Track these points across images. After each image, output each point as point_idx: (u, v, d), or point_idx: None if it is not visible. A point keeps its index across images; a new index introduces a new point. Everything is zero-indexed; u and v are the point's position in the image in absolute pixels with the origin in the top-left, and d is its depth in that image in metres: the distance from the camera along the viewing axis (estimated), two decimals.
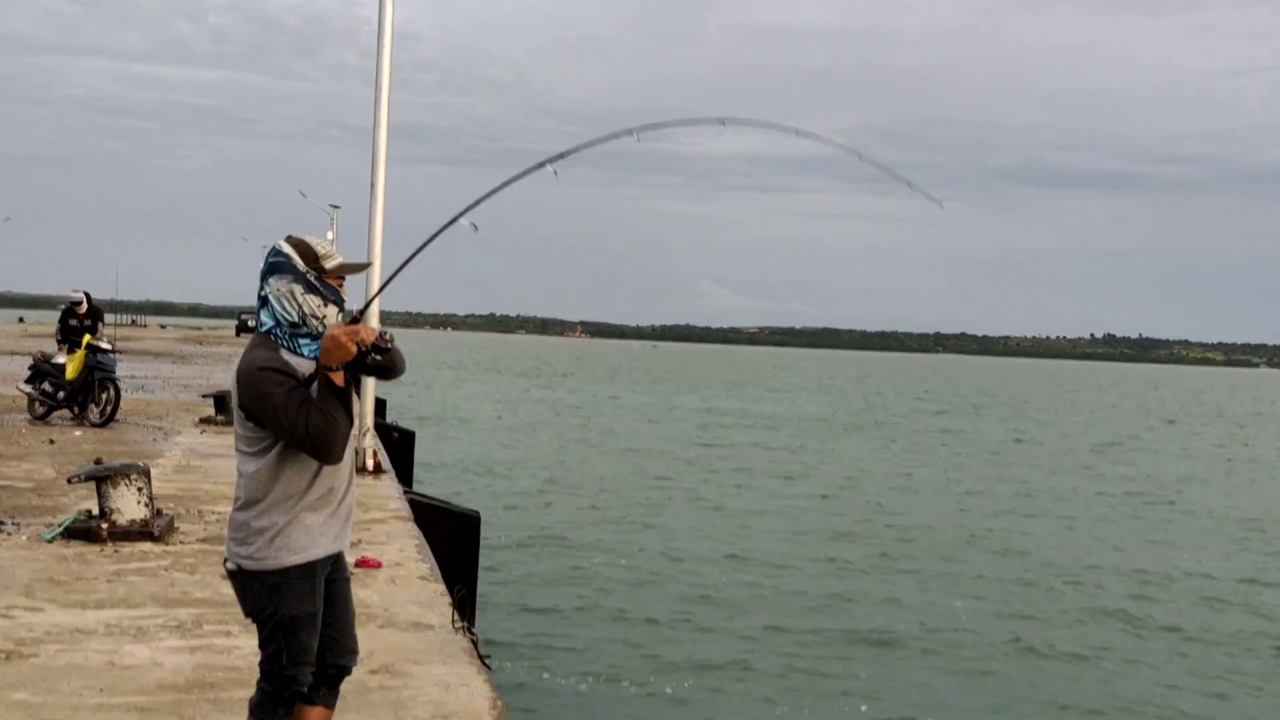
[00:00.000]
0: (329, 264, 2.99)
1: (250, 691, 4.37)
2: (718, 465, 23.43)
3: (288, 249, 2.99)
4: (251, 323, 79.77)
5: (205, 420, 14.54)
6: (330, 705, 3.26)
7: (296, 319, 2.95)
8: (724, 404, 46.27)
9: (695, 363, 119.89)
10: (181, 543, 7.01)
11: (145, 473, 7.15)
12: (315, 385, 2.88)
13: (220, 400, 15.02)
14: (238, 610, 5.54)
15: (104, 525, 6.86)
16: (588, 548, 13.87)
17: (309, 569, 3.01)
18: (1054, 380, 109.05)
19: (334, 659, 3.21)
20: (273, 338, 2.97)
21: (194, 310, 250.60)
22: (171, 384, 22.44)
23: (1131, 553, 15.16)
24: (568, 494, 18.60)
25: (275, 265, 2.99)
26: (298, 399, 2.83)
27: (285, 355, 2.93)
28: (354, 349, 2.82)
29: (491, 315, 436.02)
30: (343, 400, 2.87)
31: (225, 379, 24.35)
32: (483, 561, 9.80)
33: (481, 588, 9.55)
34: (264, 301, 2.99)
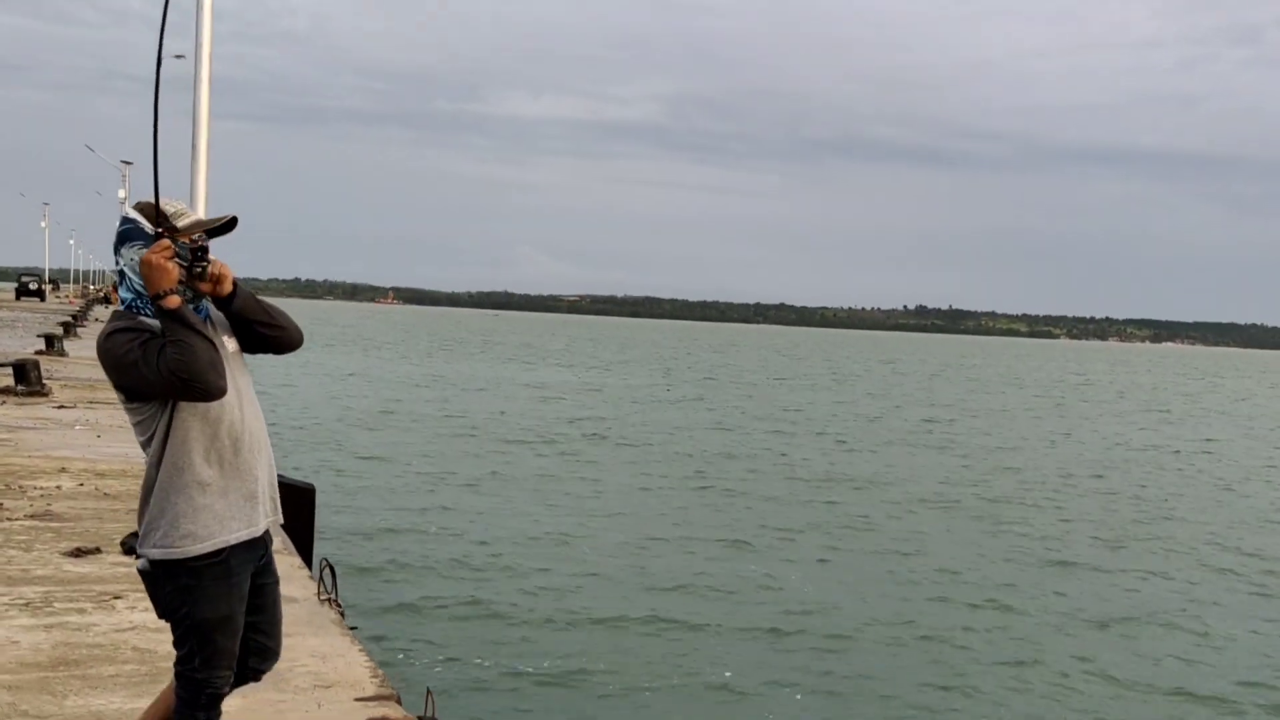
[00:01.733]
0: (181, 222, 2.79)
1: (116, 669, 4.30)
2: (561, 433, 23.68)
3: (134, 214, 2.81)
4: (33, 285, 69.34)
5: (4, 391, 13.44)
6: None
7: None
8: (559, 376, 46.49)
9: (525, 331, 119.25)
10: (9, 519, 6.59)
11: None
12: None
13: (20, 369, 13.91)
14: (87, 588, 5.39)
15: None
16: (424, 519, 13.81)
17: (223, 565, 2.83)
18: (877, 351, 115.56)
19: (256, 663, 3.06)
20: (133, 310, 2.79)
21: None
22: None
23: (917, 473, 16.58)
24: (402, 466, 18.36)
25: (124, 234, 2.79)
26: (154, 347, 2.67)
27: (141, 319, 2.78)
28: (173, 266, 2.68)
29: (297, 280, 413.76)
30: (187, 324, 2.67)
31: (15, 345, 22.34)
32: (318, 535, 9.63)
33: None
34: (121, 276, 2.80)
